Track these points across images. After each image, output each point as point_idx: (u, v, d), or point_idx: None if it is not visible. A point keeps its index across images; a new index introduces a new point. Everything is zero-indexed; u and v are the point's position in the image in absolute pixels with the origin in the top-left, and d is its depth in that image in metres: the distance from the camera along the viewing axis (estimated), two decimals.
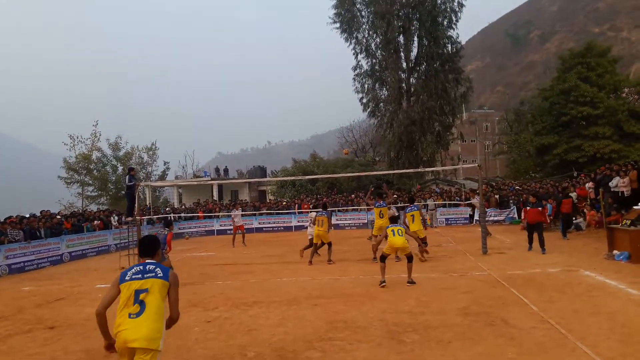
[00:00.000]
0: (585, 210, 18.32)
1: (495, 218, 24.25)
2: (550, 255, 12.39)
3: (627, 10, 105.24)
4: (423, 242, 13.03)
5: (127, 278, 3.88)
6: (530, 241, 13.54)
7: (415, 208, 13.24)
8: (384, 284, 9.43)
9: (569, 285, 8.76)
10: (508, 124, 50.74)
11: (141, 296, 3.76)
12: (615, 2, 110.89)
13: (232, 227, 20.23)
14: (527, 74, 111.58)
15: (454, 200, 25.65)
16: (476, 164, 15.57)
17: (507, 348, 5.56)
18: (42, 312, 9.00)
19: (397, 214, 11.82)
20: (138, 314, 3.71)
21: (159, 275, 3.90)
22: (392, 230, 9.77)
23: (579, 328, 6.09)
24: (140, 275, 3.87)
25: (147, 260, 4.05)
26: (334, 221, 21.82)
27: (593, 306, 7.19)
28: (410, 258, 9.69)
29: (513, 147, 40.70)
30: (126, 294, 3.79)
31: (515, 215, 23.77)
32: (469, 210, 25.06)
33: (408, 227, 12.60)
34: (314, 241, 13.34)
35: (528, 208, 13.67)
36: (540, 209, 13.58)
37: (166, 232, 11.69)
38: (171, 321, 4.05)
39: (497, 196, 25.47)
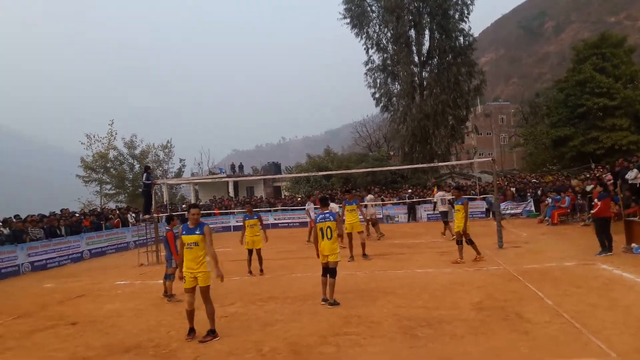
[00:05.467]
0: None
1: (513, 211, 24.04)
2: (566, 249, 12.31)
3: None
4: (469, 242, 11.50)
5: (183, 234, 6.63)
6: (604, 240, 11.10)
7: (460, 202, 11.68)
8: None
9: (585, 279, 8.71)
10: (523, 117, 50.19)
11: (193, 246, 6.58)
12: None
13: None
14: (542, 66, 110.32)
15: (469, 194, 25.47)
16: (490, 158, 15.46)
17: (521, 342, 5.59)
18: (64, 308, 9.24)
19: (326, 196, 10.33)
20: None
21: (197, 232, 6.53)
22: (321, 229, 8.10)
23: (593, 322, 6.09)
24: (187, 233, 6.60)
25: (191, 227, 6.62)
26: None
27: (609, 300, 7.16)
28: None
29: (529, 140, 40.26)
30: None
31: (533, 208, 23.57)
32: (484, 204, 24.86)
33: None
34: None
35: (597, 201, 11.36)
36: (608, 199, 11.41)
37: (165, 231, 9.75)
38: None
39: (513, 189, 25.26)
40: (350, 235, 12.74)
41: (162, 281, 9.63)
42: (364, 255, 12.80)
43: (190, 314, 6.62)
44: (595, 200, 11.59)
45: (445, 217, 16.65)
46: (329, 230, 7.98)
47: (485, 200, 21.38)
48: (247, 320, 7.36)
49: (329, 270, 7.99)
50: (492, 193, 18.86)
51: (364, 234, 13.32)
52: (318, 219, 8.17)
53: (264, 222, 13.24)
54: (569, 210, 19.12)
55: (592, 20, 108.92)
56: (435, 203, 18.29)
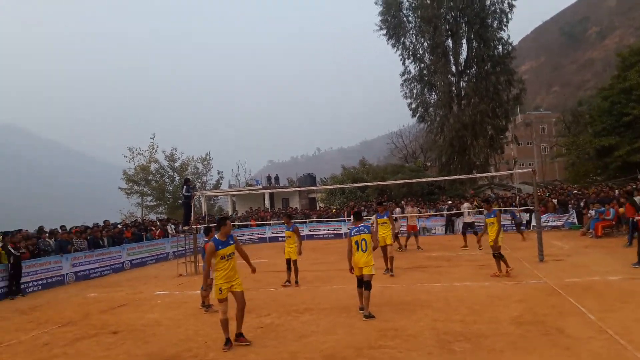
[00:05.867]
0: None
1: (554, 223, 23.34)
2: (610, 263, 11.87)
3: None
4: (499, 255, 11.10)
5: (219, 248, 6.79)
6: None
7: (493, 215, 11.30)
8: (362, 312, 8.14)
9: (631, 294, 8.38)
10: (566, 126, 48.85)
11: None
12: None
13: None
14: (585, 73, 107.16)
15: (510, 206, 24.85)
16: (531, 169, 15.09)
17: (562, 358, 5.44)
18: (106, 317, 9.54)
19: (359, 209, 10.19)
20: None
21: (232, 243, 6.92)
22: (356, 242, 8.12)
23: (639, 339, 5.85)
24: (224, 245, 6.82)
25: (224, 240, 6.88)
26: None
27: None
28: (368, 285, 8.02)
29: (572, 150, 39.17)
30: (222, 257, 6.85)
31: (575, 220, 22.82)
32: (526, 216, 24.17)
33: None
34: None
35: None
36: None
37: (204, 242, 9.79)
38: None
39: (554, 200, 24.52)
40: (384, 248, 12.57)
41: (199, 292, 9.81)
42: (390, 270, 12.31)
43: (225, 323, 6.74)
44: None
45: (471, 227, 17.55)
46: (364, 242, 7.98)
47: (509, 212, 20.92)
48: (283, 331, 7.42)
49: (364, 283, 7.96)
50: (532, 205, 18.40)
51: (392, 248, 12.99)
52: (353, 232, 8.18)
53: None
54: (613, 223, 18.37)
55: (637, 25, 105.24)
56: (462, 214, 18.94)
